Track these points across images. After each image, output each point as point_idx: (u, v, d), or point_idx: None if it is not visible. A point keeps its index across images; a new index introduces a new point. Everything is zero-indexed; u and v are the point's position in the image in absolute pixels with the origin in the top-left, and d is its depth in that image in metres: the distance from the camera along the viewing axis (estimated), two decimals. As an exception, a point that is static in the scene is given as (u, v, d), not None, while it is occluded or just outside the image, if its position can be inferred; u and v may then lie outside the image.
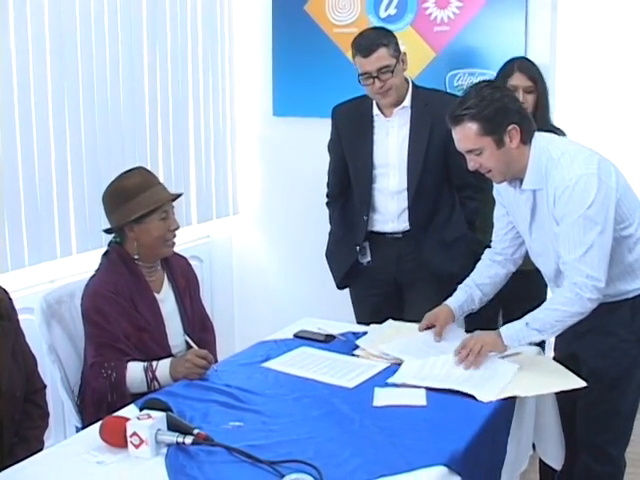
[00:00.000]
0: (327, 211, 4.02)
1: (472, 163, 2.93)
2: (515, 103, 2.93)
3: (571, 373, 2.85)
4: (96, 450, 2.33)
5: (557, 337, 3.17)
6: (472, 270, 3.31)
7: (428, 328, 3.18)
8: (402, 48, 3.74)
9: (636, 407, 3.14)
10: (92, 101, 4.08)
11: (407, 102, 3.73)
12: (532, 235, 3.04)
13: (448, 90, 4.46)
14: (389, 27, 4.57)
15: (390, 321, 3.41)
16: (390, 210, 3.77)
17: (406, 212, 3.75)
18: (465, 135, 2.88)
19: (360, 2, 4.72)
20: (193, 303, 3.26)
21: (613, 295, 2.97)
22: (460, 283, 3.29)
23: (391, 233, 3.80)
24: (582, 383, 2.77)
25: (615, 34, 5.59)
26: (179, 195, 3.19)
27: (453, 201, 3.83)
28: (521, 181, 2.96)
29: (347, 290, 4.02)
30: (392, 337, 3.16)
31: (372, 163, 3.76)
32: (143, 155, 4.44)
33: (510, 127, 2.85)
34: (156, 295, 3.13)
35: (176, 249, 3.22)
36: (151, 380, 2.91)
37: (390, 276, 3.84)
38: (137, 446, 2.28)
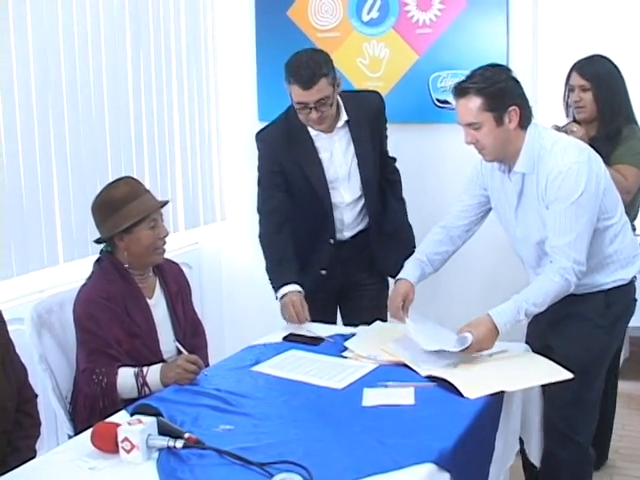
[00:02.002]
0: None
1: (469, 138, 3.06)
2: (519, 88, 3.05)
3: (557, 365, 2.89)
4: (88, 456, 2.35)
5: (529, 328, 3.26)
6: None
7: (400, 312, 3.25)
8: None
9: (599, 396, 3.22)
10: (76, 109, 4.09)
11: (344, 117, 3.67)
12: (517, 219, 3.15)
13: (432, 92, 4.51)
14: (371, 30, 4.68)
15: (378, 322, 3.45)
16: (347, 221, 3.79)
17: (359, 218, 3.79)
18: (468, 108, 3.00)
19: (342, 6, 4.75)
20: (185, 308, 3.28)
21: (589, 286, 3.09)
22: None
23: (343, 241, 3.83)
24: (569, 375, 2.82)
25: (596, 35, 5.67)
26: (166, 202, 3.21)
27: (384, 189, 3.89)
28: (509, 167, 3.09)
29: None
30: (381, 338, 3.20)
31: (326, 184, 3.71)
32: (129, 162, 4.46)
33: (511, 108, 2.98)
34: (148, 301, 3.15)
35: (165, 256, 3.24)
36: (142, 385, 2.93)
37: (339, 280, 3.86)
38: (128, 451, 2.31)
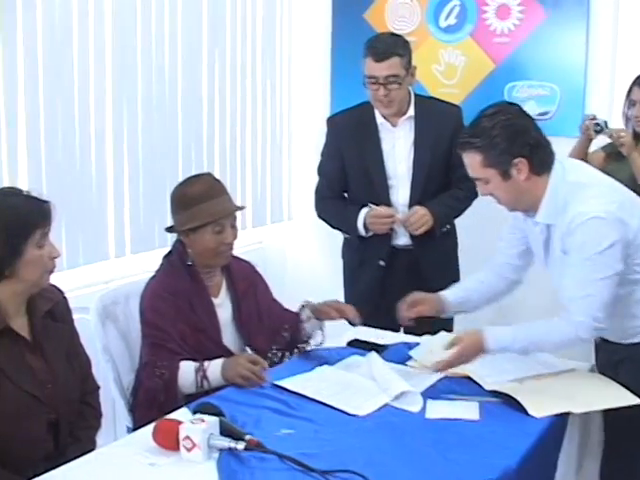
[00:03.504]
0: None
1: (482, 190, 2.88)
2: (529, 133, 2.78)
3: (624, 389, 2.81)
4: (148, 452, 2.35)
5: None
6: None
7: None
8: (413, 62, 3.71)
9: None
10: (150, 102, 4.13)
11: (411, 112, 3.72)
12: (548, 268, 2.97)
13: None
14: (448, 37, 4.64)
15: (443, 332, 3.39)
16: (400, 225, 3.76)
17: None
18: (470, 164, 2.83)
19: (420, 11, 4.73)
20: (261, 306, 3.22)
21: None
22: None
23: (400, 248, 3.81)
24: (637, 400, 2.73)
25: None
26: (240, 208, 3.14)
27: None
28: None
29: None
30: (446, 349, 3.14)
31: (385, 175, 3.74)
32: (199, 158, 4.48)
33: (516, 160, 2.74)
34: (213, 300, 3.12)
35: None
36: (201, 379, 2.89)
37: (396, 293, 3.81)
38: (189, 450, 2.29)
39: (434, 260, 3.81)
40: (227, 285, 3.20)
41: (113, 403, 3.22)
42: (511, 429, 2.53)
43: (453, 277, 3.92)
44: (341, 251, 4.06)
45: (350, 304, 3.64)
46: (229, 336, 3.14)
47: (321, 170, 3.93)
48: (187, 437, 2.29)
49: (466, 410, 2.66)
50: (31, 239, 2.41)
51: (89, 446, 2.65)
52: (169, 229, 3.17)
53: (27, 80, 3.56)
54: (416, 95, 3.76)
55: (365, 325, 3.44)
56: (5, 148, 3.49)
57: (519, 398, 2.67)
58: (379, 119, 3.73)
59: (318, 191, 3.95)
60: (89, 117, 3.83)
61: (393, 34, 3.75)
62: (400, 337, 3.39)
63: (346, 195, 3.91)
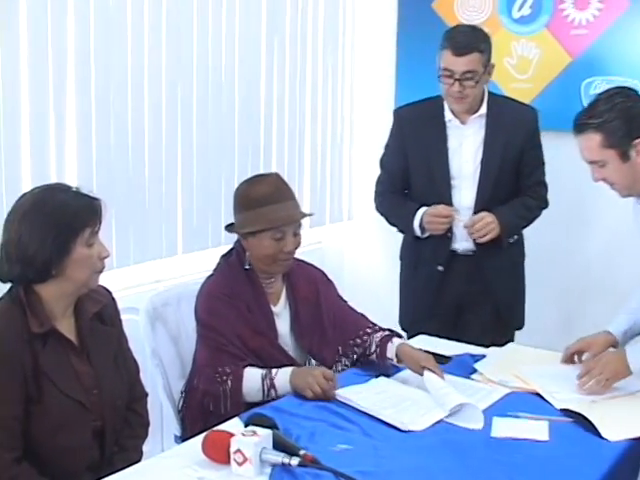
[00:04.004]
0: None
1: (596, 175, 2.90)
2: None
3: None
4: (197, 465, 2.33)
5: None
6: None
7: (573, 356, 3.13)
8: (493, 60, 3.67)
9: None
10: (206, 99, 4.14)
11: (483, 110, 3.68)
12: None
13: (584, 99, 4.36)
14: (522, 28, 4.57)
15: (511, 345, 3.35)
16: (459, 230, 3.71)
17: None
18: (587, 146, 2.84)
19: (492, 0, 4.66)
20: (322, 313, 3.14)
21: None
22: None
23: (461, 253, 3.77)
24: None
25: None
26: (305, 215, 3.08)
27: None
28: None
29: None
30: (514, 362, 3.10)
31: (449, 174, 3.70)
32: (256, 154, 4.47)
33: (637, 141, 2.78)
34: (272, 308, 3.07)
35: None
36: (269, 388, 2.85)
37: (454, 297, 3.82)
38: (240, 464, 2.27)
39: (499, 269, 3.77)
40: (287, 294, 3.15)
41: (160, 410, 3.22)
42: (583, 452, 2.47)
43: (518, 289, 3.88)
44: (399, 252, 4.03)
45: (404, 307, 3.62)
46: (288, 346, 3.09)
47: (383, 163, 3.92)
48: (238, 450, 2.27)
49: (535, 429, 2.60)
50: (80, 237, 2.41)
51: (135, 456, 2.66)
52: (229, 227, 3.11)
53: (79, 76, 3.58)
54: (490, 93, 3.72)
55: (419, 333, 3.41)
56: (54, 144, 3.52)
57: (592, 419, 2.61)
58: (448, 115, 3.70)
59: (378, 184, 3.94)
60: (143, 114, 3.85)
61: (475, 27, 3.69)
62: (465, 348, 3.34)
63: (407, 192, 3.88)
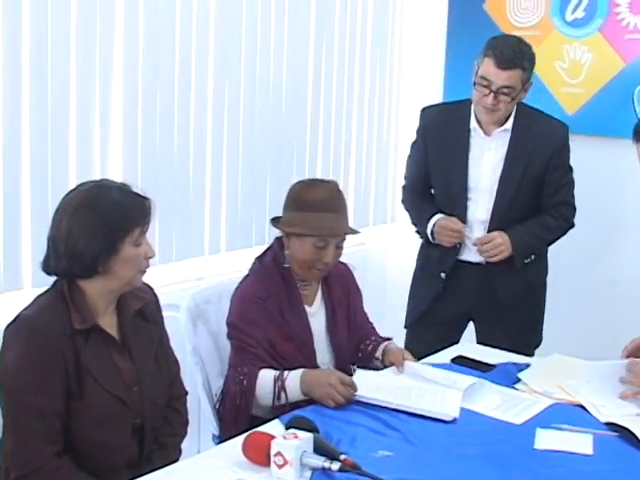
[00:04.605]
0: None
1: None
2: None
3: None
4: (237, 466, 2.34)
5: None
6: None
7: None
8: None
9: None
10: (253, 98, 4.16)
11: (509, 124, 3.62)
12: None
13: (637, 106, 4.32)
14: (575, 32, 4.54)
15: (556, 355, 3.32)
16: (471, 242, 3.68)
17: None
18: None
19: (545, 3, 4.64)
20: (350, 315, 3.19)
21: None
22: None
23: (472, 263, 3.74)
24: None
25: None
26: (353, 232, 3.06)
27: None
28: None
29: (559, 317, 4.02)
30: (558, 373, 3.08)
31: (467, 186, 3.65)
32: (302, 155, 4.49)
33: None
34: (307, 308, 3.09)
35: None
36: (279, 390, 2.85)
37: (464, 308, 3.81)
38: (280, 466, 2.28)
39: (512, 290, 3.73)
40: (322, 293, 3.17)
41: (198, 408, 3.23)
42: (628, 468, 2.45)
43: (536, 314, 3.88)
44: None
45: (408, 308, 3.63)
46: (321, 347, 3.11)
47: (408, 162, 3.95)
48: (279, 453, 2.28)
49: (578, 443, 2.58)
50: (129, 237, 2.43)
51: (174, 454, 2.69)
52: (274, 221, 3.10)
53: (126, 75, 3.62)
54: (520, 105, 3.64)
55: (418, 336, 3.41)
56: (99, 141, 3.55)
57: (638, 433, 2.59)
58: (473, 123, 3.65)
59: (405, 179, 3.97)
60: (189, 112, 3.88)
61: (523, 41, 3.58)
62: (508, 356, 3.32)
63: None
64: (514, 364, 3.22)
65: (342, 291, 3.21)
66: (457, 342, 3.79)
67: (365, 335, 3.25)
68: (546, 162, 3.63)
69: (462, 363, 3.21)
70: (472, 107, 3.65)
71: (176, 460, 2.62)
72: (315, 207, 2.94)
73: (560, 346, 3.62)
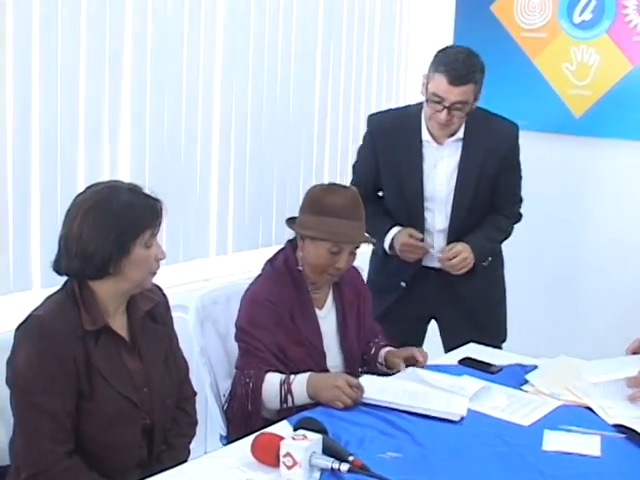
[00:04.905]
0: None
1: None
2: None
3: None
4: (246, 466, 2.36)
5: None
6: None
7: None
8: None
9: None
10: (260, 99, 4.18)
11: (461, 133, 3.59)
12: None
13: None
14: (582, 34, 4.56)
15: (562, 356, 3.34)
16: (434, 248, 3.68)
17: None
18: None
19: (552, 5, 4.65)
20: (361, 318, 3.21)
21: None
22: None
23: (433, 269, 3.73)
24: None
25: None
26: (369, 241, 3.10)
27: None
28: None
29: (521, 314, 3.97)
30: (566, 375, 3.10)
31: (423, 196, 3.63)
32: (309, 158, 4.50)
33: None
34: (317, 311, 3.10)
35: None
36: (286, 393, 2.86)
37: (426, 310, 3.83)
38: (290, 467, 2.29)
39: (474, 290, 3.75)
40: (333, 296, 3.19)
41: (205, 409, 3.25)
42: (636, 469, 2.47)
43: (499, 300, 3.93)
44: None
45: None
46: (331, 351, 3.12)
47: (355, 169, 3.86)
48: (288, 454, 2.30)
49: (586, 444, 2.60)
50: (140, 239, 2.45)
51: (183, 455, 2.70)
52: (290, 222, 3.11)
53: (134, 77, 3.64)
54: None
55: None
56: (108, 142, 3.58)
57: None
58: (425, 135, 3.60)
59: (353, 184, 3.65)
60: (197, 113, 3.91)
61: (472, 53, 3.50)
62: (515, 358, 3.34)
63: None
64: (521, 366, 3.23)
65: (353, 294, 3.22)
66: (422, 340, 3.87)
67: (371, 337, 3.27)
68: (499, 164, 3.63)
69: (470, 364, 3.24)
70: (422, 117, 3.60)
71: (185, 460, 2.64)
72: (333, 212, 2.95)
73: (525, 342, 3.73)
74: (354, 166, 3.87)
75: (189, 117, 3.87)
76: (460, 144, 3.61)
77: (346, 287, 3.20)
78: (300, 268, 3.06)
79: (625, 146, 4.47)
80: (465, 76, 3.40)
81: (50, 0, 3.27)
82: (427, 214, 3.66)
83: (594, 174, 4.49)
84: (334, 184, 3.11)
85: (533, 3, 4.72)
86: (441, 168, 3.62)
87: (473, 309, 3.78)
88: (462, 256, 3.59)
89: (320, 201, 2.99)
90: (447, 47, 3.62)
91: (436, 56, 3.50)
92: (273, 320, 2.98)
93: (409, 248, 3.63)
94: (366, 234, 3.05)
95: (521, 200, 3.82)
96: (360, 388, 2.81)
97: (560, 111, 4.60)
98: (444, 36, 4.97)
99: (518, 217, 3.83)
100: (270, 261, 3.15)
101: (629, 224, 4.48)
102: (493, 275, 3.86)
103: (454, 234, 3.66)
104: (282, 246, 3.19)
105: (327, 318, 3.14)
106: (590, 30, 4.56)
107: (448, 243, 3.66)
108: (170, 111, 3.78)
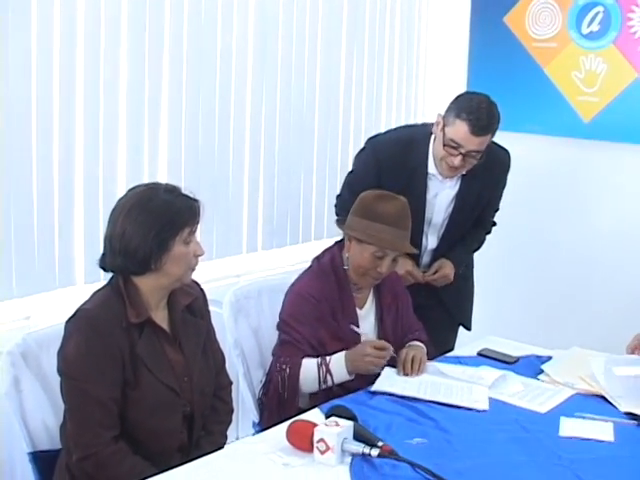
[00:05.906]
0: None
1: None
2: None
3: None
4: (281, 451, 2.37)
5: None
6: None
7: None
8: None
9: None
10: (289, 101, 4.19)
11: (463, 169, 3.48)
12: None
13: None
14: (590, 44, 4.54)
15: (576, 348, 3.33)
16: (423, 265, 3.66)
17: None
18: None
19: (562, 17, 4.63)
20: (399, 320, 3.20)
21: None
22: None
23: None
24: None
25: None
26: (411, 252, 3.13)
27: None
28: None
29: (536, 310, 3.95)
30: (579, 365, 3.09)
31: (423, 223, 3.55)
32: (334, 157, 4.50)
33: None
34: (358, 311, 3.10)
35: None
36: (325, 374, 2.87)
37: None
38: (323, 452, 2.30)
39: (453, 283, 3.70)
40: (374, 297, 3.19)
41: (237, 397, 3.25)
42: (648, 454, 2.47)
43: (470, 292, 3.93)
44: None
45: None
46: None
47: (353, 186, 3.51)
48: (321, 440, 2.31)
49: (600, 430, 2.60)
50: (179, 236, 2.46)
51: (221, 440, 2.71)
52: (339, 222, 3.14)
53: (171, 78, 3.65)
54: None
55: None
56: (147, 144, 3.59)
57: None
58: (431, 168, 3.48)
59: (344, 202, 3.46)
60: (229, 117, 3.91)
61: (491, 102, 3.36)
62: (531, 349, 3.33)
63: None
64: (537, 357, 3.23)
65: (391, 297, 3.21)
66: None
67: (408, 333, 3.23)
68: (494, 185, 3.64)
69: (488, 355, 3.23)
70: (430, 149, 3.47)
71: (222, 446, 2.64)
72: (383, 219, 2.96)
73: (540, 335, 3.73)
74: (349, 183, 3.62)
75: (222, 121, 3.87)
76: (459, 175, 3.53)
77: (386, 290, 3.20)
78: (345, 267, 3.06)
79: (631, 149, 4.45)
80: (487, 127, 3.29)
81: (94, 5, 3.29)
82: (424, 237, 3.63)
83: (601, 175, 4.48)
84: (386, 193, 3.08)
85: (544, 15, 4.70)
86: (441, 197, 3.56)
87: (451, 303, 3.78)
88: (444, 272, 3.59)
89: (371, 206, 3.00)
90: (467, 93, 3.54)
91: (456, 100, 3.37)
92: (314, 316, 2.99)
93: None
94: (409, 244, 3.05)
95: (498, 209, 3.80)
96: (386, 346, 2.88)
97: (570, 116, 4.58)
98: (459, 46, 4.96)
99: (492, 226, 3.83)
100: (317, 258, 3.16)
101: (635, 223, 4.45)
102: (467, 272, 3.85)
103: (442, 251, 3.64)
104: (330, 245, 3.19)
105: (366, 318, 3.14)
106: (598, 40, 4.54)
107: (435, 259, 3.65)
108: (204, 116, 3.79)
